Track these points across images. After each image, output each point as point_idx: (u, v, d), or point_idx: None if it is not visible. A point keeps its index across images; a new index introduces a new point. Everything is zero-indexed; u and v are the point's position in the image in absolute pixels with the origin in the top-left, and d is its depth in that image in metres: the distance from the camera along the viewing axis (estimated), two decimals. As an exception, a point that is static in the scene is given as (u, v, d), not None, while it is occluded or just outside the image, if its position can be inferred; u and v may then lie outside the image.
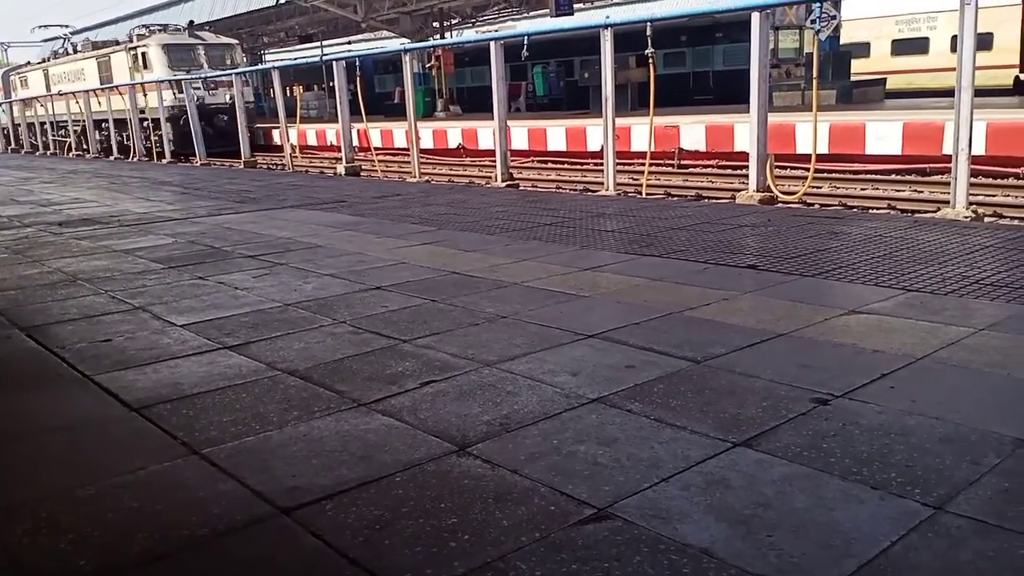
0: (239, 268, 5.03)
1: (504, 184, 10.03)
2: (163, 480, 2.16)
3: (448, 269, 4.70)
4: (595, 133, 15.87)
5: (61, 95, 25.41)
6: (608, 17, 9.88)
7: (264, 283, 4.55)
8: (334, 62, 13.31)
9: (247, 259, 5.34)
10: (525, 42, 9.79)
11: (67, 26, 34.53)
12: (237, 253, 5.59)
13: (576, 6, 24.89)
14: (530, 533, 1.79)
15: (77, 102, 24.36)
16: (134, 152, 20.44)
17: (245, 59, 31.41)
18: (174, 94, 22.43)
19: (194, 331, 3.60)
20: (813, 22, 7.27)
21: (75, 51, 31.29)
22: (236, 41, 28.37)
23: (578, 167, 16.30)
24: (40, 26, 35.31)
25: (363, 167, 13.32)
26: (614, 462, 2.12)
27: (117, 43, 28.52)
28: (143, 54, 25.43)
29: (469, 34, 33.58)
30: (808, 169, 7.98)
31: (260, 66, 32.36)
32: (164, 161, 18.86)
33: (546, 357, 3.01)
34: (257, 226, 6.90)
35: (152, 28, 26.87)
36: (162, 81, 21.58)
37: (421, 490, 2.01)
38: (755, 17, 7.21)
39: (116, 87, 23.18)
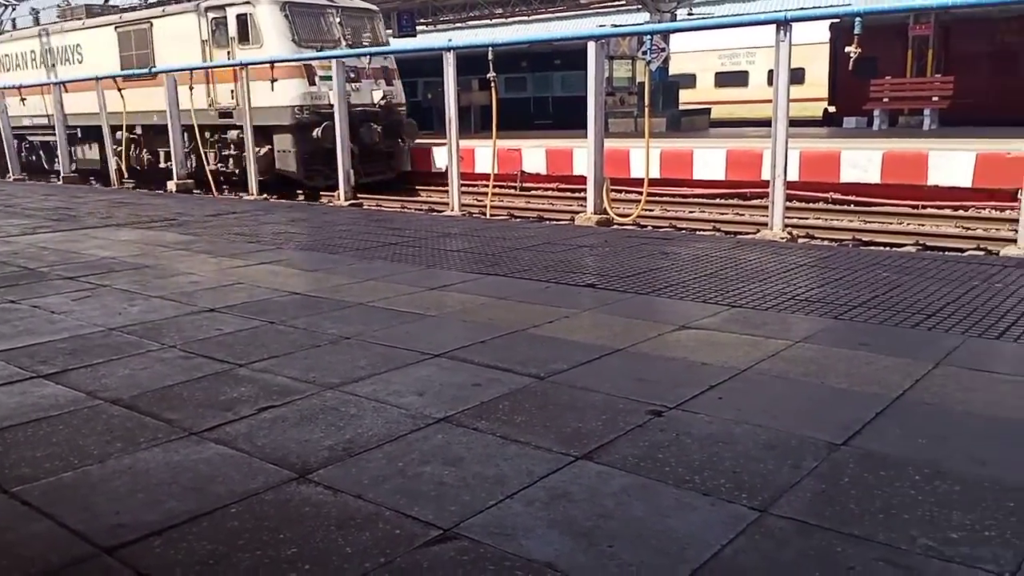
0: (56, 290, 4.64)
1: (347, 203, 9.87)
2: (-37, 525, 1.95)
3: (288, 290, 4.56)
4: (440, 154, 15.94)
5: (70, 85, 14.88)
6: (451, 40, 9.98)
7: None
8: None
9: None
10: (369, 63, 9.73)
11: None
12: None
13: (420, 28, 24.78)
14: (374, 559, 1.75)
15: (43, 97, 16.93)
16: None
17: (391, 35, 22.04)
18: (273, 87, 13.86)
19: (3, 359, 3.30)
20: (644, 53, 7.66)
21: (36, 22, 20.60)
22: (376, 7, 17.42)
23: (424, 187, 16.30)
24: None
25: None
26: (460, 481, 2.11)
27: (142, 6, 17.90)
28: (245, 17, 14.99)
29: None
30: (641, 193, 8.36)
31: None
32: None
33: (391, 378, 2.97)
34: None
35: None
36: (302, 61, 13.83)
37: (258, 521, 1.93)
38: (591, 47, 7.50)
39: (213, 68, 14.92)
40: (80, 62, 18.34)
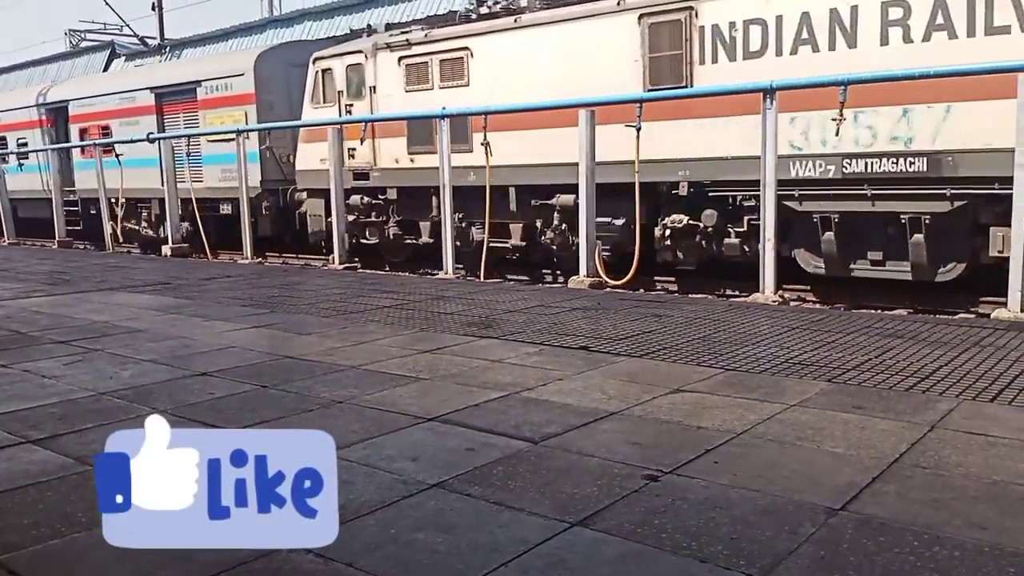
0: (47, 354, 4.61)
1: (342, 267, 9.92)
2: (-55, 595, 1.91)
3: (281, 353, 4.55)
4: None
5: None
6: (444, 108, 10.16)
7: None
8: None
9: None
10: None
11: None
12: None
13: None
14: (366, 629, 1.71)
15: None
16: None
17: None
18: None
19: (-9, 424, 3.26)
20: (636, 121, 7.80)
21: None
22: None
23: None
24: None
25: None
26: (453, 549, 2.08)
27: None
28: None
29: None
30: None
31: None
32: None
33: (384, 442, 2.94)
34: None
35: None
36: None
37: (248, 590, 1.89)
38: (582, 114, 7.65)
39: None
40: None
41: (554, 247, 10.35)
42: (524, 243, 10.67)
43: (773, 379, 3.77)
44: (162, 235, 14.46)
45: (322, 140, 10.92)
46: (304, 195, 12.71)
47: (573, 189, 8.34)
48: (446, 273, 8.85)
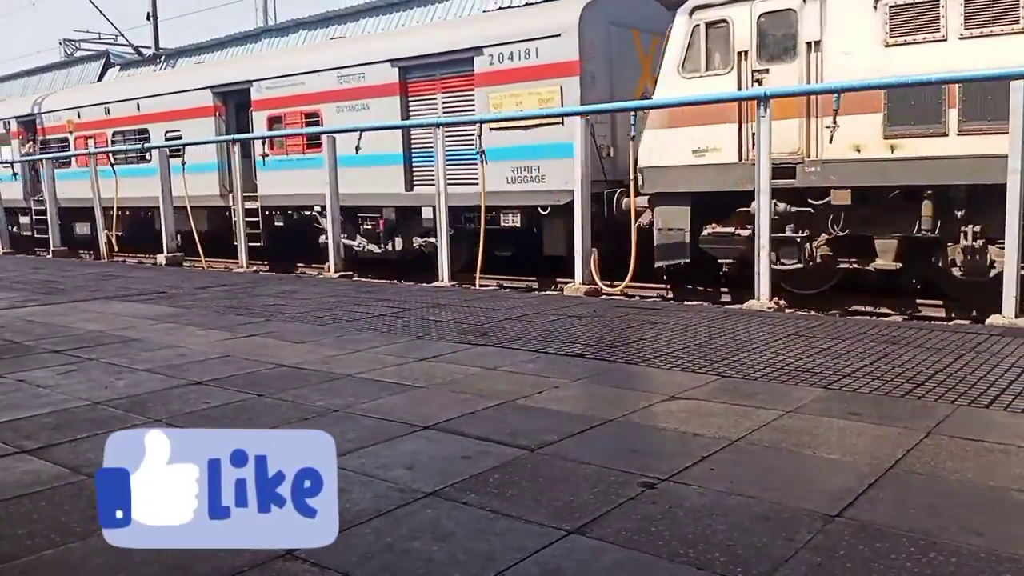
0: (42, 364, 4.59)
1: (337, 275, 9.91)
2: (-62, 607, 1.89)
3: (276, 362, 4.54)
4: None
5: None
6: (439, 117, 10.15)
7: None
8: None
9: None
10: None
11: None
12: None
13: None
14: (362, 638, 1.71)
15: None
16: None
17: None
18: None
19: (-15, 434, 3.25)
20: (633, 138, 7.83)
21: None
22: None
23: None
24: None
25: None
26: (450, 558, 2.07)
27: None
28: None
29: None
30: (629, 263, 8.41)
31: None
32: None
33: (380, 451, 2.94)
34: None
35: None
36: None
37: (244, 599, 1.88)
38: (578, 123, 7.67)
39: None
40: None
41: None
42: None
43: (769, 386, 3.77)
44: (390, 249, 11.85)
45: (699, 124, 8.35)
46: (644, 200, 8.98)
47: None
48: (442, 281, 8.84)
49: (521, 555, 2.08)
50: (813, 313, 7.36)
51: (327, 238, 10.22)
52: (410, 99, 11.32)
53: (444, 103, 11.02)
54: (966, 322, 6.76)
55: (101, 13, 27.18)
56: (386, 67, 11.47)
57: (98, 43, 33.53)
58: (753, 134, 7.68)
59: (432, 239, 10.16)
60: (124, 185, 13.81)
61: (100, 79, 28.14)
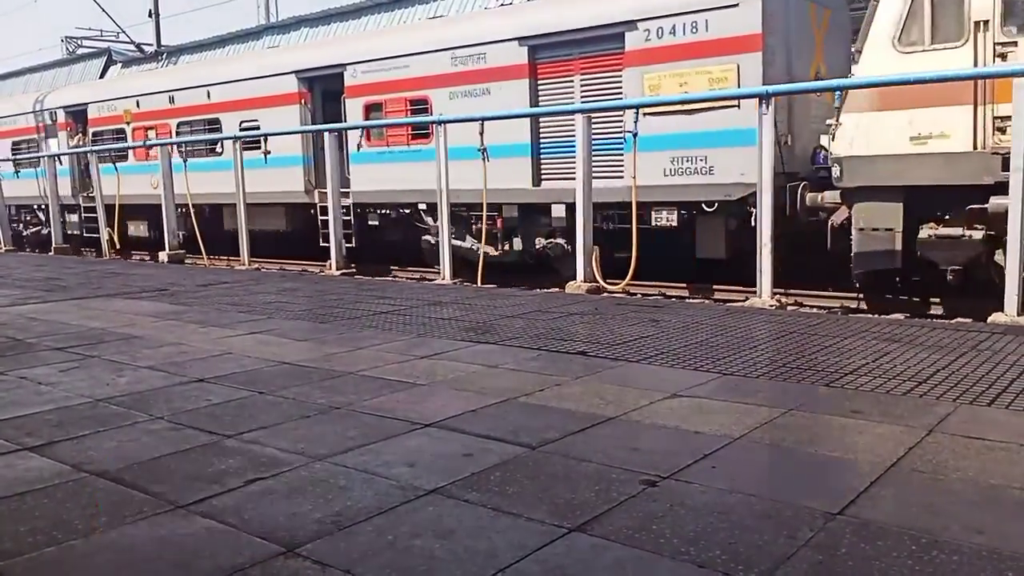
0: (44, 361, 4.60)
1: (339, 273, 9.91)
2: (-60, 604, 1.90)
3: (278, 359, 4.54)
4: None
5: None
6: (441, 114, 10.13)
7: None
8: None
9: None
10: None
11: None
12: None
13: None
14: (364, 636, 1.71)
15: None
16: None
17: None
18: None
19: (-13, 432, 3.25)
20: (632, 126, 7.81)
21: None
22: None
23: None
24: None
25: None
26: (451, 555, 2.07)
27: None
28: None
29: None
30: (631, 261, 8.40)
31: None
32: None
33: (381, 448, 2.94)
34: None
35: None
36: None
37: (246, 597, 1.88)
38: (579, 119, 7.66)
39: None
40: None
41: None
42: None
43: (770, 383, 3.76)
44: (507, 250, 10.77)
45: (921, 106, 7.18)
46: (837, 196, 8.02)
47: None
48: (444, 279, 8.84)
49: (522, 553, 2.08)
50: (815, 310, 7.36)
51: (434, 238, 9.09)
52: (539, 82, 10.12)
53: (583, 86, 9.84)
54: (968, 320, 6.75)
55: (103, 10, 27.08)
56: (512, 46, 10.17)
57: (100, 40, 33.56)
58: (995, 117, 6.88)
59: (560, 240, 9.57)
60: (193, 181, 12.49)
61: (102, 76, 28.10)
